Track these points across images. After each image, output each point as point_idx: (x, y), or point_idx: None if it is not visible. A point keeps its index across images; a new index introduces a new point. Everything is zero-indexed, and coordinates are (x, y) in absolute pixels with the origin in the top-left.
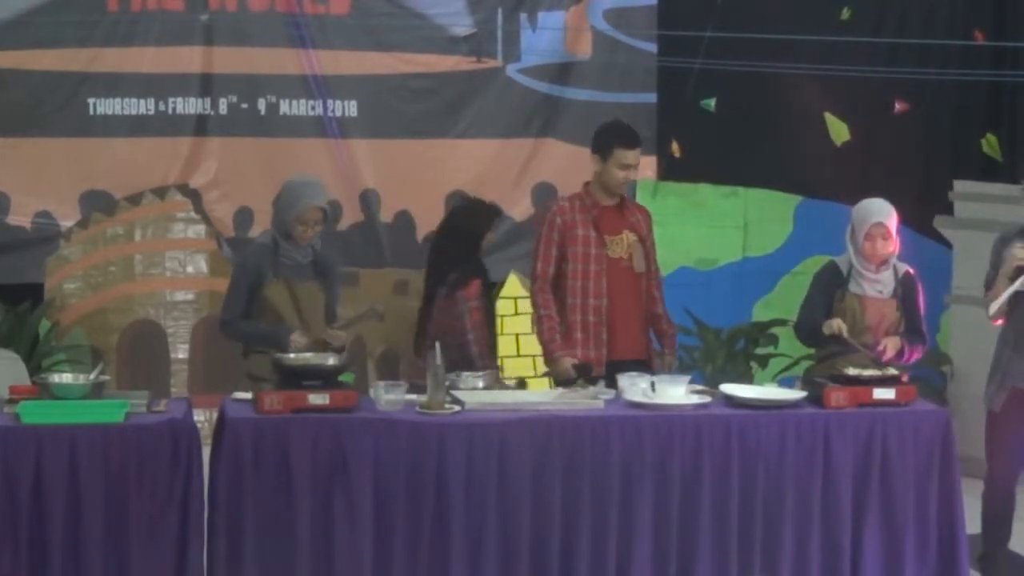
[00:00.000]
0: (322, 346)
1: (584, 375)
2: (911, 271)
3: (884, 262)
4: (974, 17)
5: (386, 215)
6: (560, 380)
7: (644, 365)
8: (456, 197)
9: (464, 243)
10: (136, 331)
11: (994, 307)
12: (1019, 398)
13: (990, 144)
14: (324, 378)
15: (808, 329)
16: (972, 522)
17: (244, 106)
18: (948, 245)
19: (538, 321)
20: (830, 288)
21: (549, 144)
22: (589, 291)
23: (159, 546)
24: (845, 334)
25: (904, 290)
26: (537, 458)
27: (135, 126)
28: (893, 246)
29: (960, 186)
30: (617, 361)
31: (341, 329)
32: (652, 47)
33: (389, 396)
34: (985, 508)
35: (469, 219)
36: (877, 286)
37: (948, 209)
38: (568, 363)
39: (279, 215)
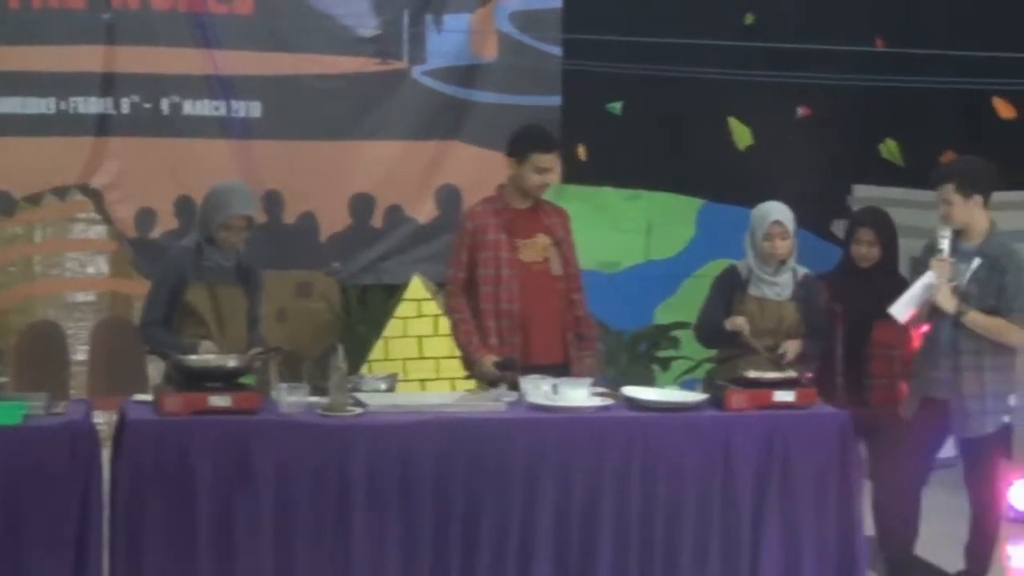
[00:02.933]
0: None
1: (509, 369)
2: (809, 273)
3: (782, 262)
4: (876, 23)
5: (289, 217)
6: (487, 380)
7: (563, 369)
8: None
9: None
10: (35, 332)
11: (896, 308)
12: (929, 406)
13: (890, 149)
14: (225, 380)
15: (708, 330)
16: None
17: (147, 106)
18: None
19: (454, 326)
20: (729, 290)
21: (454, 146)
22: (501, 296)
23: (58, 551)
24: (747, 331)
25: (804, 292)
26: (439, 460)
27: (36, 125)
28: (791, 246)
29: (859, 190)
30: (534, 365)
31: (242, 364)
32: (557, 50)
33: (291, 398)
34: (893, 514)
35: None
36: (776, 289)
37: (847, 213)
38: (490, 362)
39: (204, 220)
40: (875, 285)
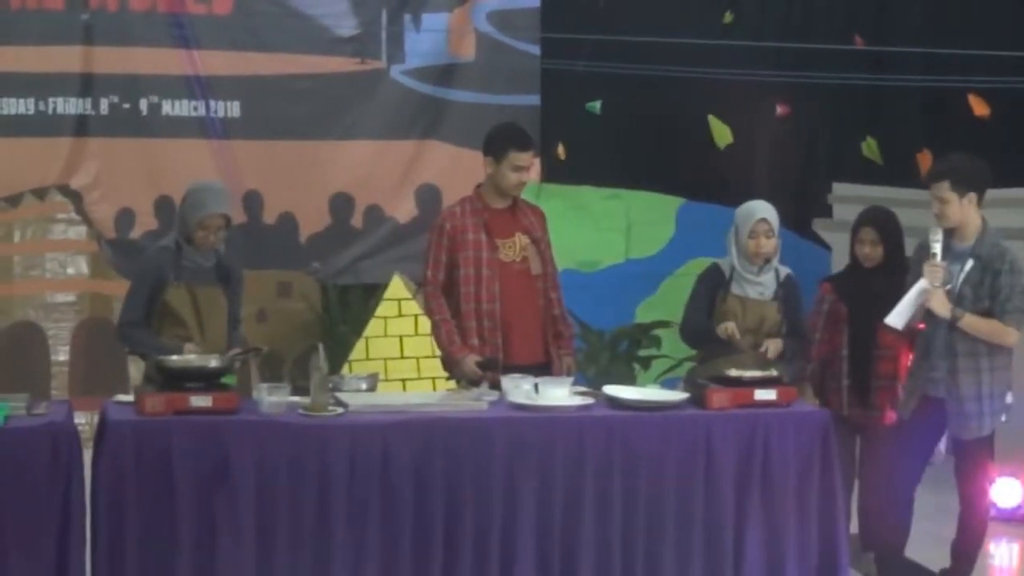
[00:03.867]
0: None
1: (491, 369)
2: (791, 273)
3: (767, 261)
4: (854, 21)
5: (269, 217)
6: (469, 380)
7: (544, 368)
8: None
9: None
10: (15, 333)
11: (893, 317)
12: (927, 405)
13: (870, 147)
14: (206, 380)
15: (694, 331)
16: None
17: (126, 106)
18: (827, 247)
19: (435, 327)
20: (713, 289)
21: (433, 146)
22: (482, 296)
23: (39, 552)
24: (737, 337)
25: (785, 292)
26: (420, 460)
27: (14, 126)
28: (775, 245)
29: (839, 189)
30: (515, 365)
31: (223, 364)
32: (536, 49)
33: (272, 398)
34: (885, 515)
35: None
36: (759, 288)
37: (827, 211)
38: (471, 362)
39: (182, 220)
40: (880, 286)
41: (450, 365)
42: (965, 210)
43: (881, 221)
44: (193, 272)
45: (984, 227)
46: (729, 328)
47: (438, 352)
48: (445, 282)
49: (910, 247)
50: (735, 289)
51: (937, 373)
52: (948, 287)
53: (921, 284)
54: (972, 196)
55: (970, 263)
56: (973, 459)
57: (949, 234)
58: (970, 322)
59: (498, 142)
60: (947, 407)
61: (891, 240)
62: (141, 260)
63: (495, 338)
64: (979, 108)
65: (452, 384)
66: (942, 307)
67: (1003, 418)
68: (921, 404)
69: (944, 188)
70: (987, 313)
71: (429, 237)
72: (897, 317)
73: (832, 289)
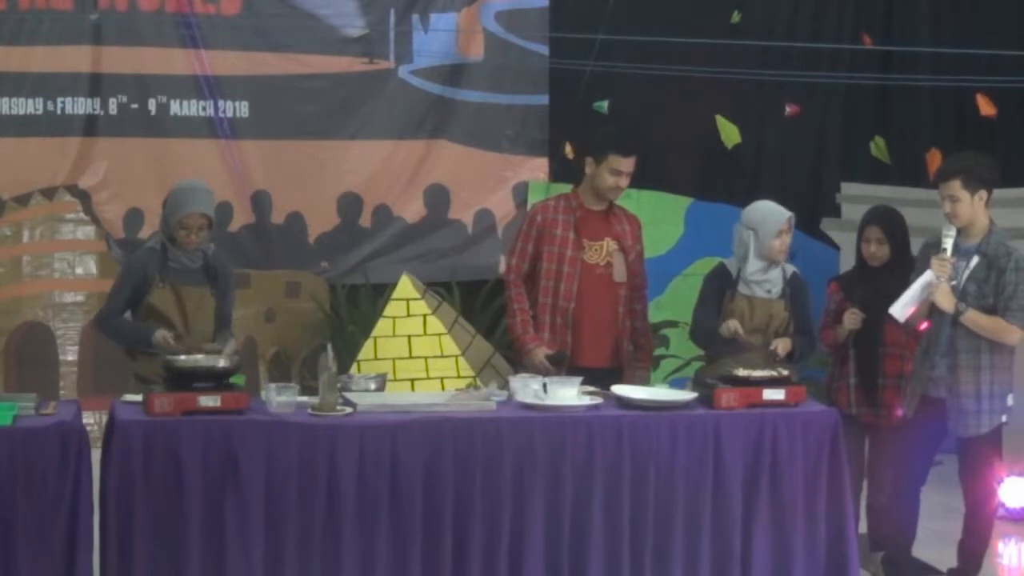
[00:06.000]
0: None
1: (559, 364)
2: (797, 271)
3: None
4: (862, 21)
5: (277, 217)
6: (536, 372)
7: (609, 374)
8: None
9: None
10: (24, 333)
11: (896, 308)
12: (929, 404)
13: (878, 147)
14: (215, 380)
15: (704, 332)
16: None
17: (134, 106)
18: (835, 247)
19: (511, 315)
20: (720, 290)
21: (441, 146)
22: (560, 292)
23: (48, 551)
24: (741, 333)
25: (792, 291)
26: (429, 460)
27: (23, 126)
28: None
29: (848, 188)
30: (582, 368)
31: (231, 364)
32: (544, 49)
33: (281, 398)
34: (892, 514)
35: None
36: (766, 286)
37: (836, 211)
38: (541, 354)
39: (164, 220)
40: (886, 285)
41: (520, 354)
42: (976, 208)
43: (887, 220)
44: (178, 272)
45: (991, 226)
46: (732, 326)
47: (456, 354)
48: (528, 272)
49: (916, 246)
50: (742, 289)
51: (938, 372)
52: (953, 283)
53: (927, 277)
54: (983, 194)
55: (975, 260)
56: (977, 459)
57: (957, 232)
58: (973, 318)
59: (600, 144)
60: (947, 404)
61: (897, 239)
62: (126, 260)
63: (565, 335)
64: (987, 108)
65: (461, 384)
66: (947, 301)
67: (1004, 418)
68: (923, 404)
69: (955, 186)
70: (991, 310)
71: (519, 226)
72: (900, 308)
73: (839, 289)
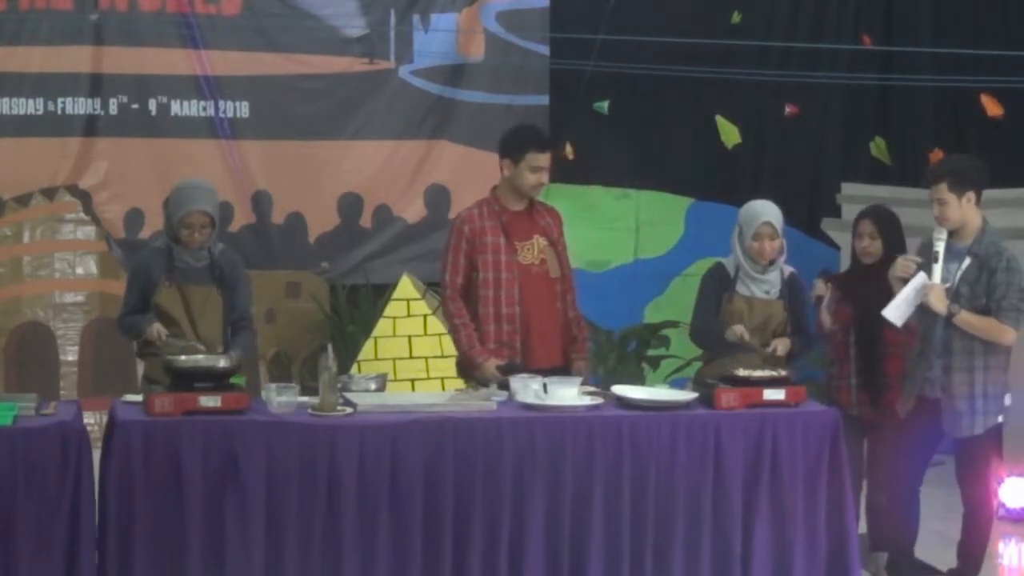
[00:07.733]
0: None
1: (513, 373)
2: (795, 272)
3: (772, 262)
4: (862, 21)
5: (278, 217)
6: (489, 385)
7: (562, 372)
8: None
9: None
10: (24, 333)
11: (891, 312)
12: (924, 405)
13: (879, 147)
14: (215, 380)
15: (704, 333)
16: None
17: (135, 106)
18: (835, 247)
19: (454, 331)
20: (718, 290)
21: (442, 146)
22: (501, 300)
23: (48, 551)
24: (747, 338)
25: (791, 291)
26: (429, 460)
27: (23, 126)
28: (780, 246)
29: (848, 188)
30: (534, 369)
31: (231, 364)
32: (545, 49)
33: (281, 398)
34: (891, 515)
35: None
36: (764, 287)
37: (836, 211)
38: (492, 366)
39: (167, 219)
40: (882, 283)
41: (470, 369)
42: (964, 209)
43: (878, 215)
44: (184, 272)
45: (984, 226)
46: (738, 331)
47: (455, 355)
48: (464, 285)
49: (913, 246)
50: (741, 289)
51: (933, 373)
52: (947, 285)
53: (919, 279)
54: (970, 195)
55: (967, 261)
56: (975, 459)
57: (949, 234)
58: (966, 319)
59: (516, 143)
60: (942, 405)
61: (890, 235)
62: (133, 260)
63: (514, 341)
64: (992, 108)
65: (461, 384)
66: (939, 303)
67: (1000, 419)
68: (919, 404)
69: (942, 190)
70: (984, 311)
71: (447, 240)
72: (894, 311)
73: (836, 289)
